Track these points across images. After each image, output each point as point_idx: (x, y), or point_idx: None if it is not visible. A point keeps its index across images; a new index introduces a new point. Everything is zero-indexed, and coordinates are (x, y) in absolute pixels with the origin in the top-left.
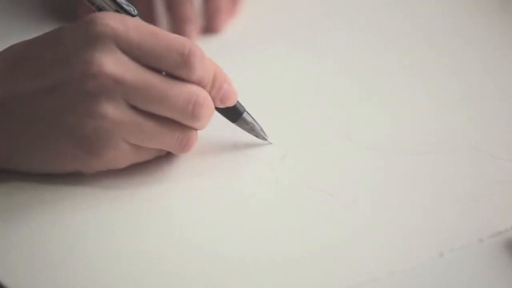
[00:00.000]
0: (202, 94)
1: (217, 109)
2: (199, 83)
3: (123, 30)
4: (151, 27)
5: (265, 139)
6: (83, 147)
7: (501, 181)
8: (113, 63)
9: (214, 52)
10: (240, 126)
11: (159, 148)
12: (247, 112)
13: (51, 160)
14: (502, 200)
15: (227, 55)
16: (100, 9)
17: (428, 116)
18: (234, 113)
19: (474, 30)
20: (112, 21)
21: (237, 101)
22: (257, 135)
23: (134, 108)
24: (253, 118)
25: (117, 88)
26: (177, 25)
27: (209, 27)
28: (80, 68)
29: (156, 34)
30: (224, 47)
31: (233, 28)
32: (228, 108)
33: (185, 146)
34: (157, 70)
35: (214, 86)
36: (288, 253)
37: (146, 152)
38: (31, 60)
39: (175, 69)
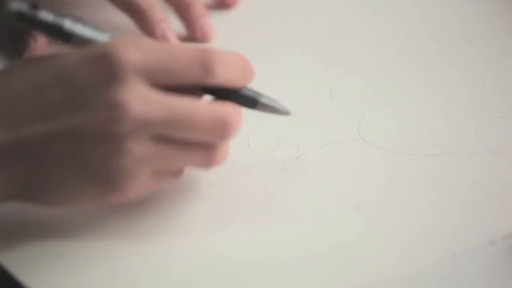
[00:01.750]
0: (228, 111)
1: (234, 100)
2: (227, 84)
3: (141, 59)
4: (163, 44)
5: (288, 113)
6: (104, 185)
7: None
8: (138, 103)
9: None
10: (260, 110)
11: (189, 167)
12: (263, 97)
13: (67, 199)
14: None
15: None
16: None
17: (441, 117)
18: (251, 102)
19: (486, 31)
20: (129, 50)
21: (249, 89)
22: (279, 113)
23: (161, 138)
24: (269, 98)
25: (144, 128)
26: (192, 24)
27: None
28: (103, 112)
29: (171, 50)
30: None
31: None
32: (245, 98)
33: (215, 163)
34: (180, 89)
35: (246, 79)
36: (297, 253)
37: (168, 177)
38: (35, 100)
39: (199, 80)
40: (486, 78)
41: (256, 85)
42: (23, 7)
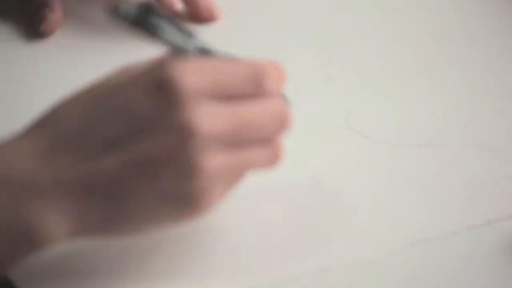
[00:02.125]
0: (281, 107)
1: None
2: (273, 95)
3: (199, 81)
4: (215, 62)
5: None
6: (184, 208)
7: (496, 176)
8: (205, 120)
9: None
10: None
11: (253, 170)
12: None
13: (145, 225)
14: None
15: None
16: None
17: (431, 109)
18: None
19: (480, 24)
20: (186, 75)
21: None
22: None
23: (228, 147)
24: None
25: (215, 143)
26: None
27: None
28: (171, 137)
29: (225, 69)
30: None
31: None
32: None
33: (276, 161)
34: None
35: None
36: (268, 234)
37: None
38: (102, 134)
39: (251, 92)
40: (479, 71)
41: None
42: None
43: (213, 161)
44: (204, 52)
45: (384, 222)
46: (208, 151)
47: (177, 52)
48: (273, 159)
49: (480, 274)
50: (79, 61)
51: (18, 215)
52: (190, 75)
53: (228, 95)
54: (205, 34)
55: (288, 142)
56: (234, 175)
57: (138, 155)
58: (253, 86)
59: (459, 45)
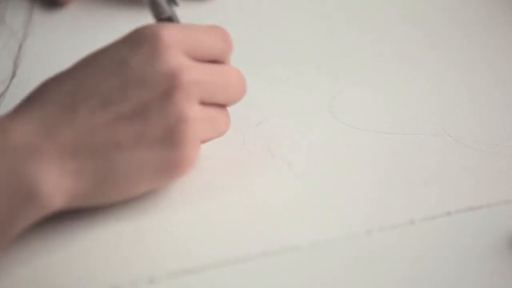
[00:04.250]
0: (240, 70)
1: None
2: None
3: (180, 35)
4: (190, 25)
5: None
6: (171, 157)
7: (460, 167)
8: (189, 68)
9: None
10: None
11: (215, 136)
12: None
13: (136, 182)
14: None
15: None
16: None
17: (408, 99)
18: None
19: (469, 16)
20: (169, 29)
21: None
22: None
23: (203, 103)
24: None
25: (198, 91)
26: None
27: None
28: (164, 83)
29: (199, 29)
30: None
31: None
32: None
33: (229, 127)
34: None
35: None
36: (233, 214)
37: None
38: (93, 93)
39: (222, 54)
40: (459, 64)
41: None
42: None
43: (195, 111)
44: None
45: (342, 207)
46: (191, 99)
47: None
48: (228, 127)
49: (437, 265)
50: (96, 30)
51: (18, 178)
52: (172, 30)
53: (204, 56)
54: None
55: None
56: (208, 132)
57: (132, 106)
58: (223, 43)
59: (440, 36)
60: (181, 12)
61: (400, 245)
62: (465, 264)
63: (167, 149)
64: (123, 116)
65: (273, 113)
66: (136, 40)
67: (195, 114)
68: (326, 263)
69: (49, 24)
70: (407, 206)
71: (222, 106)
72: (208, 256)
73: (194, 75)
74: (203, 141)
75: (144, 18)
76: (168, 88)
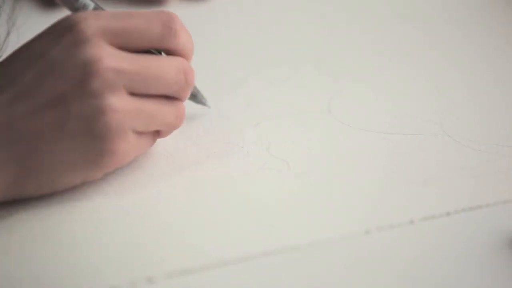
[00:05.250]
0: (185, 63)
1: None
2: (181, 51)
3: (105, 23)
4: (123, 11)
5: (207, 106)
6: (95, 147)
7: (460, 167)
8: (108, 57)
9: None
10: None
11: (160, 127)
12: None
13: (63, 173)
14: (450, 185)
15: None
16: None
17: (408, 99)
18: None
19: (467, 15)
20: (90, 18)
21: None
22: (199, 102)
23: (133, 94)
24: (195, 87)
25: (118, 79)
26: None
27: None
28: (77, 72)
29: (132, 15)
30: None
31: None
32: None
33: (181, 119)
34: (144, 52)
35: (192, 55)
36: (229, 213)
37: (146, 141)
38: (10, 85)
39: (161, 41)
40: (457, 64)
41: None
42: None
43: (118, 100)
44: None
45: (341, 207)
46: (113, 87)
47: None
48: (178, 120)
49: (437, 265)
50: None
51: None
52: (93, 18)
53: (136, 43)
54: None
55: (264, 124)
56: (143, 123)
57: (50, 96)
58: (161, 28)
59: (440, 36)
60: (181, 12)
61: (400, 245)
62: (465, 264)
63: (90, 140)
64: (42, 107)
65: (272, 113)
66: (56, 31)
67: (119, 105)
68: (325, 263)
69: (47, 24)
70: (406, 206)
71: (169, 98)
72: (207, 256)
73: (113, 63)
74: (143, 132)
75: None
76: (84, 77)
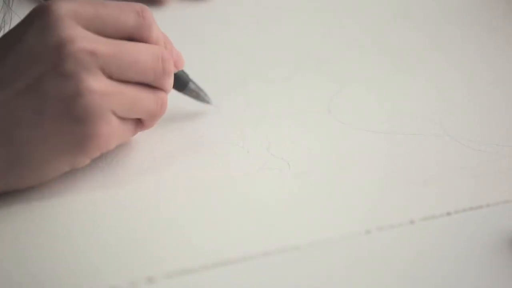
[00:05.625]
0: (163, 50)
1: None
2: (156, 42)
3: (78, 7)
4: (96, 0)
5: (210, 103)
6: (76, 131)
7: (460, 167)
8: (82, 38)
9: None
10: (187, 94)
11: (142, 115)
12: (192, 81)
13: (47, 161)
14: (451, 185)
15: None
16: None
17: (408, 99)
18: (181, 83)
19: (468, 15)
20: (61, 2)
21: (182, 70)
22: (202, 100)
23: (111, 78)
24: (197, 85)
25: (93, 60)
26: None
27: None
28: (51, 55)
29: (105, 4)
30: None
31: None
32: (176, 78)
33: (162, 107)
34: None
35: (167, 48)
36: (231, 213)
37: (129, 128)
38: None
39: (134, 30)
40: (458, 65)
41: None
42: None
43: (95, 81)
44: None
45: (342, 207)
46: (89, 68)
47: None
48: (159, 108)
49: (437, 265)
50: None
51: None
52: (66, 3)
53: (110, 30)
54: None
55: (264, 124)
56: (124, 108)
57: (24, 83)
58: (135, 18)
59: (440, 36)
60: (181, 12)
61: (400, 245)
62: (465, 264)
63: (71, 124)
64: (19, 93)
65: (272, 113)
66: (30, 17)
67: (96, 86)
68: (325, 263)
69: None
70: (406, 206)
71: (150, 86)
72: (207, 256)
73: (88, 44)
74: (125, 118)
75: None
76: (58, 59)
